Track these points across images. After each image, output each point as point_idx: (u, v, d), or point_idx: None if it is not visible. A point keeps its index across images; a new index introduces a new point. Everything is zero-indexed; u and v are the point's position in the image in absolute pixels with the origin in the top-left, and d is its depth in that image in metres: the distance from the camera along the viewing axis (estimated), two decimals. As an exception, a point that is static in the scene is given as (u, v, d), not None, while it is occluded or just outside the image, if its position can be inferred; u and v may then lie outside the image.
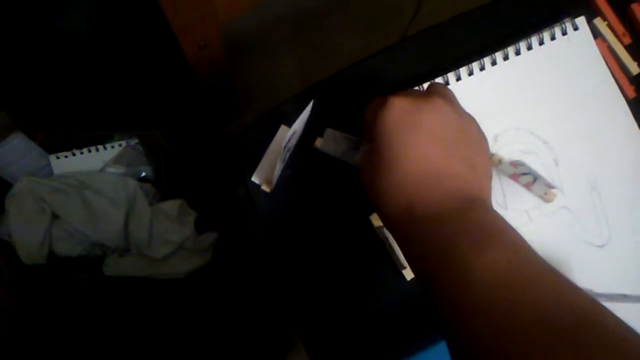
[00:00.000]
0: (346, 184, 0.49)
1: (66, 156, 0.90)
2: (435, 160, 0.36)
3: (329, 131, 0.46)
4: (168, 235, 0.87)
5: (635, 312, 0.48)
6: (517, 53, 0.51)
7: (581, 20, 0.52)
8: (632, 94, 0.53)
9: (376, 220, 0.48)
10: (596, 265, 0.49)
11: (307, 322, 0.48)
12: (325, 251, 0.49)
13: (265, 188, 0.50)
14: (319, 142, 0.49)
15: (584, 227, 0.50)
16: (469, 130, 0.39)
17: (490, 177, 0.40)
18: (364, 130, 0.43)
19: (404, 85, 0.51)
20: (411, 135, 0.36)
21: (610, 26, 0.53)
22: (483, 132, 0.41)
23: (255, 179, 0.51)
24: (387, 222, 0.38)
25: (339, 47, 1.07)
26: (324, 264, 0.49)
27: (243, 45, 1.20)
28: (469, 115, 0.40)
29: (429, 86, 0.42)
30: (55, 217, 0.87)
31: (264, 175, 0.51)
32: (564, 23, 0.51)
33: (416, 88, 0.49)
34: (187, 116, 0.97)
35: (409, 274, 0.48)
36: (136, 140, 0.92)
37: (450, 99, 0.39)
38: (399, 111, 0.37)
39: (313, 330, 0.48)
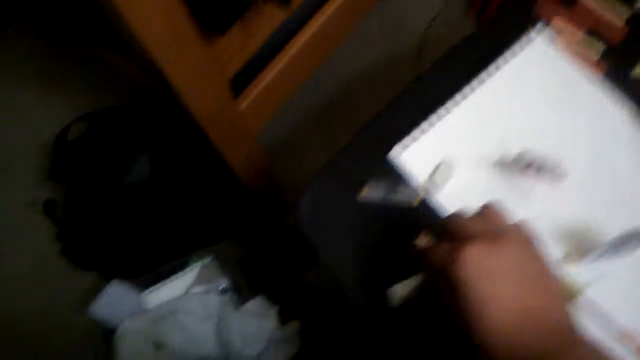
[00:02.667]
0: (390, 221, 0.59)
1: (156, 289, 1.02)
2: (519, 300, 0.38)
3: (370, 183, 0.57)
4: (257, 332, 0.96)
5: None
6: (497, 69, 0.62)
7: (538, 29, 0.63)
8: (599, 72, 0.62)
9: (421, 241, 0.56)
10: (625, 221, 0.55)
11: None
12: (391, 274, 0.57)
13: (394, 301, 0.52)
14: (364, 193, 0.59)
15: (600, 191, 0.57)
16: (534, 262, 0.41)
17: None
18: (425, 266, 0.46)
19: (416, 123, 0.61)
20: (489, 283, 0.38)
21: (563, 25, 0.64)
22: (545, 257, 0.42)
23: (390, 291, 0.52)
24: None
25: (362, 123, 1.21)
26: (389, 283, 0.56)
27: (278, 151, 1.35)
28: (530, 245, 0.41)
29: (489, 218, 0.44)
30: (157, 347, 0.97)
31: (400, 293, 0.52)
32: (529, 33, 0.62)
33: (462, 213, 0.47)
34: (247, 224, 1.10)
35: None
36: (210, 257, 1.04)
37: (515, 236, 0.41)
38: (469, 263, 0.38)
39: None
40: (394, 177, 0.60)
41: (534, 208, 0.57)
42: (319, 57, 1.01)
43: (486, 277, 0.38)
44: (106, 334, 0.99)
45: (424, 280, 0.49)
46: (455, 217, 0.45)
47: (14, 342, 1.30)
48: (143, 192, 0.98)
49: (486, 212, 0.45)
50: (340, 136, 1.37)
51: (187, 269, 1.03)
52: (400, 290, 0.52)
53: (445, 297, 0.42)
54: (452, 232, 0.43)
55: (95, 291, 0.98)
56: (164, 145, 0.98)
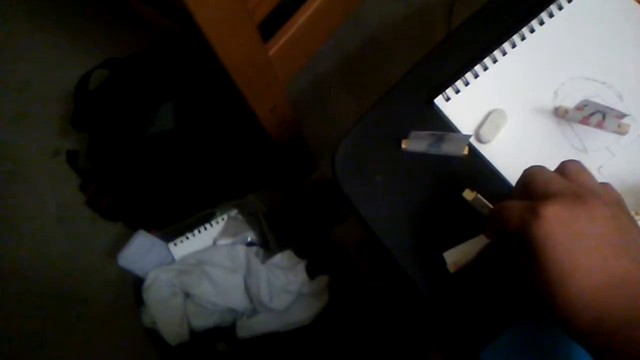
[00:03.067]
0: (434, 173, 0.55)
1: (182, 241, 1.01)
2: (610, 267, 0.34)
3: (413, 133, 0.53)
4: (285, 285, 0.95)
5: None
6: (551, 16, 0.57)
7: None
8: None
9: (468, 195, 0.53)
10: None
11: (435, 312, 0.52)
12: (436, 233, 0.54)
13: (450, 268, 0.50)
14: (405, 144, 0.56)
15: (670, 146, 0.52)
16: (627, 226, 0.37)
17: None
18: (488, 227, 0.43)
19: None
20: (576, 246, 0.34)
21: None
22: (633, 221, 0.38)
23: (447, 256, 0.50)
24: (576, 335, 0.36)
25: (387, 79, 1.16)
26: (436, 243, 0.54)
27: (304, 104, 1.31)
28: (621, 208, 0.38)
29: (572, 176, 0.39)
30: (186, 295, 0.97)
31: (456, 258, 0.50)
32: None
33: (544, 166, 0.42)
34: (273, 178, 1.07)
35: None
36: (235, 211, 1.02)
37: (605, 198, 0.37)
38: (554, 223, 0.35)
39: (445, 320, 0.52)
40: (439, 127, 0.56)
41: (595, 159, 0.52)
42: (348, 4, 0.95)
43: (573, 239, 0.34)
44: (135, 283, 1.00)
45: (485, 244, 0.45)
46: (535, 170, 0.40)
47: (42, 289, 1.32)
48: (168, 142, 0.95)
49: (569, 169, 0.40)
50: (367, 92, 1.32)
51: (213, 222, 1.02)
52: (455, 255, 0.49)
53: (516, 262, 0.39)
54: (531, 188, 0.39)
55: (122, 241, 0.98)
56: (189, 94, 0.94)
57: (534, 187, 0.39)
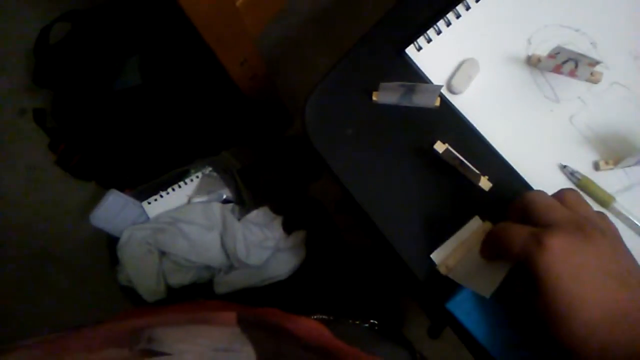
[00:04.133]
0: (405, 126, 0.54)
1: (155, 199, 1.00)
2: (613, 299, 0.35)
3: (382, 84, 0.51)
4: (262, 241, 0.95)
5: None
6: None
7: None
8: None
9: (439, 147, 0.52)
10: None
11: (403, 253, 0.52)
12: (407, 185, 0.53)
13: (442, 270, 0.48)
14: (375, 96, 0.54)
15: (638, 95, 0.52)
16: (626, 257, 0.38)
17: None
18: (485, 247, 0.43)
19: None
20: (580, 278, 0.35)
21: None
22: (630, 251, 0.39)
23: (435, 257, 0.49)
24: None
25: (365, 30, 1.13)
26: (408, 196, 0.53)
27: (278, 58, 1.27)
28: (618, 239, 0.39)
29: (572, 205, 0.40)
30: (162, 253, 0.96)
31: (444, 256, 0.49)
32: None
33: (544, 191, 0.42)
34: (247, 134, 1.05)
35: (486, 185, 0.51)
36: (210, 168, 1.00)
37: (604, 230, 0.38)
38: (559, 254, 0.35)
39: (415, 261, 0.52)
40: (410, 78, 0.55)
41: (567, 109, 0.52)
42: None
43: (577, 271, 0.35)
44: (109, 242, 0.99)
45: (472, 240, 0.46)
46: (536, 195, 0.40)
47: (17, 251, 1.30)
48: (136, 97, 0.92)
49: (568, 198, 0.40)
50: (344, 44, 1.28)
51: (187, 180, 1.00)
52: (443, 254, 0.49)
53: (517, 287, 0.39)
54: (531, 212, 0.39)
55: (96, 200, 0.96)
56: (155, 48, 0.90)
57: (534, 211, 0.39)
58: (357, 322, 0.50)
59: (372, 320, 0.51)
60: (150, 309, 0.40)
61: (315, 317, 0.47)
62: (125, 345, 0.26)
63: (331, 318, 0.48)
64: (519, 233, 0.38)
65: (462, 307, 0.44)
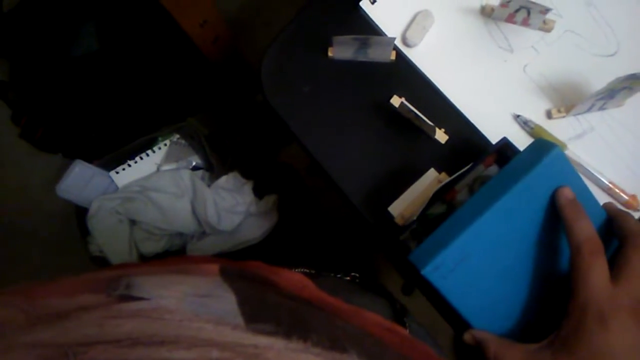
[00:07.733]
0: (362, 81, 0.54)
1: (123, 169, 0.98)
2: None
3: (336, 38, 0.50)
4: (233, 207, 0.95)
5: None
6: None
7: None
8: None
9: (395, 101, 0.52)
10: (613, 74, 0.51)
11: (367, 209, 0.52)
12: (364, 141, 0.54)
13: (399, 221, 0.50)
14: (331, 52, 0.53)
15: (591, 42, 0.52)
16: None
17: None
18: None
19: None
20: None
21: None
22: None
23: (392, 210, 0.51)
24: None
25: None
26: (365, 151, 0.53)
27: (244, 22, 1.25)
28: None
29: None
30: (132, 222, 0.96)
31: (401, 209, 0.51)
32: None
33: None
34: (213, 99, 1.03)
35: (442, 137, 0.52)
36: (177, 135, 0.99)
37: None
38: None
39: (375, 214, 0.52)
40: (366, 33, 0.54)
41: (521, 58, 0.52)
42: None
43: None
44: (78, 213, 0.98)
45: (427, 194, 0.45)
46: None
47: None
48: (95, 64, 0.89)
49: None
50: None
51: (155, 148, 0.99)
52: (400, 207, 0.49)
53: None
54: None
55: (63, 172, 0.94)
56: (111, 12, 0.87)
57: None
58: (339, 275, 0.50)
59: (353, 273, 0.51)
60: (132, 263, 0.40)
61: (298, 270, 0.48)
62: (102, 291, 0.25)
63: (313, 272, 0.49)
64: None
65: (437, 273, 0.42)
